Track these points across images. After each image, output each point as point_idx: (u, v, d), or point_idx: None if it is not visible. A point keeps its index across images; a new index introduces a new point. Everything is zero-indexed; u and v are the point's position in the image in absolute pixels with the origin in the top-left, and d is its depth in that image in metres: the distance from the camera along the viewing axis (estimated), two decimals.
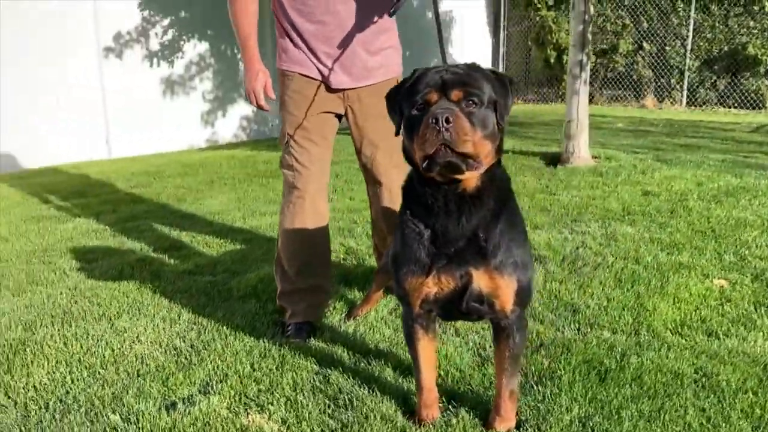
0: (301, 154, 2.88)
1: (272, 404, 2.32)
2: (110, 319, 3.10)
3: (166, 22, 8.54)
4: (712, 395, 2.35)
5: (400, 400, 2.34)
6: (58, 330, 2.98)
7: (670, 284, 3.42)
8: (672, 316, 3.04)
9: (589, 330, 2.91)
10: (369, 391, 2.39)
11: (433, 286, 1.96)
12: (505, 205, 1.99)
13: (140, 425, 2.20)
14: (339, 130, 3.03)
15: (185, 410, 2.28)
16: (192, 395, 2.40)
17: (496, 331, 2.08)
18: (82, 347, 2.81)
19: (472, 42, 14.49)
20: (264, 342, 2.81)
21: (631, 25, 13.56)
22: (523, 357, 2.48)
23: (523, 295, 2.02)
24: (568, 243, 4.19)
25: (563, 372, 2.51)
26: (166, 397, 2.40)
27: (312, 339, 2.86)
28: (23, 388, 2.48)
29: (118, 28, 8.15)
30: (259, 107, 2.87)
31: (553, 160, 7.22)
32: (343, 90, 2.87)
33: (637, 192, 5.59)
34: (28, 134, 7.48)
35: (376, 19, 2.90)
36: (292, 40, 2.87)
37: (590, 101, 13.83)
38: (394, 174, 2.91)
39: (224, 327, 2.98)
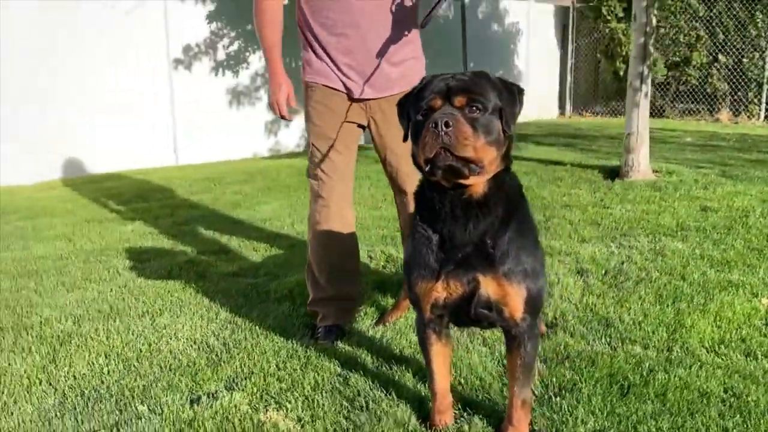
0: (325, 164, 2.95)
1: (290, 402, 2.38)
2: (152, 316, 3.25)
3: (233, 34, 8.84)
4: (738, 415, 2.27)
5: (416, 404, 2.37)
6: (103, 324, 3.14)
7: (714, 302, 3.32)
8: (710, 334, 2.95)
9: (620, 344, 2.86)
10: (386, 395, 2.43)
11: (442, 291, 1.98)
12: (515, 212, 1.99)
13: (164, 416, 2.30)
14: None
15: (208, 404, 2.38)
16: (217, 391, 2.49)
17: (508, 339, 2.08)
18: (122, 341, 2.95)
19: (538, 54, 14.34)
20: (292, 343, 2.89)
21: (706, 36, 13.14)
22: (538, 366, 2.45)
23: (533, 304, 2.02)
24: (614, 257, 4.11)
25: (584, 384, 2.48)
26: (193, 391, 2.50)
27: (339, 342, 2.91)
28: (64, 377, 2.63)
29: (187, 40, 8.49)
30: (282, 117, 2.97)
31: (613, 173, 7.07)
32: (366, 100, 2.92)
33: (695, 207, 5.42)
34: (98, 140, 7.88)
35: (401, 32, 2.94)
36: (315, 53, 2.94)
37: (660, 115, 13.62)
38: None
39: (257, 327, 3.07)
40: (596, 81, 15.07)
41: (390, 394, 2.42)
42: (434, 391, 2.21)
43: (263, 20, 2.91)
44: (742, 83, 12.99)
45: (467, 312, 1.99)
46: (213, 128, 8.77)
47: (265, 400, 2.42)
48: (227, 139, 8.80)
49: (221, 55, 8.77)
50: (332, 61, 2.91)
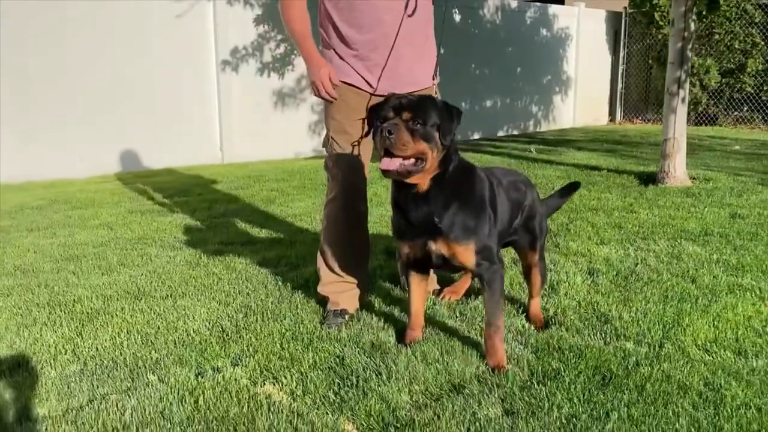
0: (341, 157, 3.13)
1: (286, 378, 2.56)
2: (174, 299, 3.49)
3: (279, 37, 9.14)
4: (712, 408, 2.35)
5: (405, 384, 2.51)
6: (129, 304, 3.39)
7: (718, 303, 3.36)
8: (705, 333, 3.00)
9: (613, 340, 2.94)
10: (377, 375, 2.58)
11: (408, 249, 2.76)
12: (458, 198, 2.63)
13: (170, 385, 2.52)
14: None
15: (211, 377, 2.58)
16: (222, 366, 2.69)
17: (480, 280, 2.77)
18: (143, 319, 3.20)
19: (588, 59, 14.23)
20: (300, 327, 3.08)
21: (763, 43, 12.83)
22: (503, 298, 2.81)
23: (483, 253, 2.68)
24: (629, 259, 4.16)
25: (567, 374, 2.58)
26: (201, 365, 2.71)
27: (344, 327, 3.09)
28: (87, 348, 2.88)
29: (234, 43, 8.81)
30: (326, 96, 3.07)
31: (649, 179, 7.06)
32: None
33: (725, 214, 5.40)
34: (150, 137, 8.27)
35: (421, 34, 3.11)
36: (336, 50, 3.12)
37: (714, 123, 13.36)
38: None
39: (269, 312, 3.27)
40: (648, 88, 14.84)
41: (380, 375, 2.58)
42: (410, 310, 2.92)
43: (292, 15, 3.07)
44: None
45: (430, 262, 2.76)
46: (258, 128, 9.07)
47: (264, 376, 2.61)
48: (271, 139, 9.09)
49: (267, 57, 9.06)
50: (359, 58, 3.07)
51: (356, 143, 3.10)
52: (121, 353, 2.82)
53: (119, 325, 3.11)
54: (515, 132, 13.13)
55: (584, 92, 14.41)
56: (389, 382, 2.53)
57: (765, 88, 13.01)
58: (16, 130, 7.34)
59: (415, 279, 2.87)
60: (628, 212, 5.53)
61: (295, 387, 2.51)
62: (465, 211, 2.64)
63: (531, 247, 3.19)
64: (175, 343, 2.92)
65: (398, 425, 2.25)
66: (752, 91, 13.19)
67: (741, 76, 13.18)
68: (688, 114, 13.51)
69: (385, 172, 2.47)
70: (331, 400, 2.41)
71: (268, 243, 4.60)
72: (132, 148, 8.15)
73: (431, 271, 3.06)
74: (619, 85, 15.00)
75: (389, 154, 2.45)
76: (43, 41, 7.46)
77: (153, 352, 2.83)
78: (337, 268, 3.25)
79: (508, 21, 12.59)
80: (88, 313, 3.26)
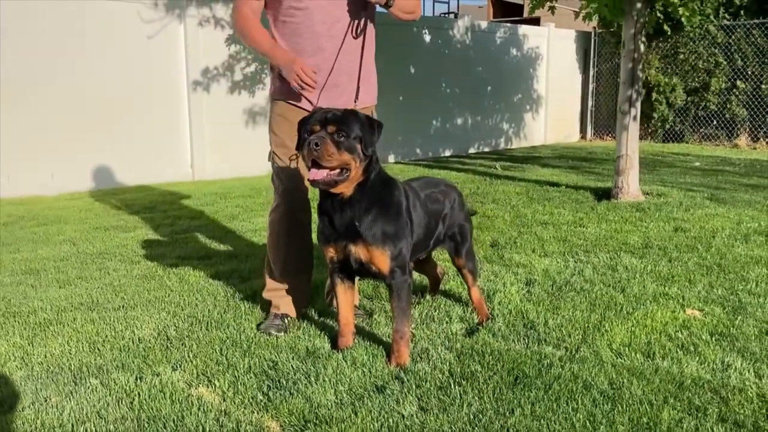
0: (283, 170, 3.34)
1: (219, 381, 2.74)
2: (126, 310, 3.65)
3: (250, 57, 9.36)
4: (610, 404, 2.55)
5: (331, 386, 2.69)
6: (81, 315, 3.56)
7: (640, 311, 3.58)
8: (621, 337, 3.22)
9: (534, 344, 3.15)
10: (306, 378, 2.76)
11: (332, 252, 2.94)
12: (378, 205, 2.85)
13: (110, 388, 2.69)
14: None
15: (150, 380, 2.75)
16: (162, 371, 2.86)
17: (389, 289, 2.97)
18: (93, 328, 3.36)
19: (559, 78, 14.58)
20: (241, 334, 3.26)
21: (725, 62, 13.22)
22: (411, 309, 3.04)
23: (397, 260, 2.89)
24: (567, 270, 4.38)
25: (482, 375, 2.78)
26: (142, 370, 2.87)
27: (284, 333, 3.27)
28: (37, 356, 3.04)
29: (205, 63, 9.02)
30: (309, 82, 3.08)
31: (604, 195, 7.31)
32: None
33: (669, 228, 5.64)
34: (121, 155, 8.43)
35: (359, 54, 3.32)
36: (280, 75, 3.32)
37: (680, 140, 13.71)
38: None
39: (213, 321, 3.45)
40: (617, 106, 15.19)
41: (309, 378, 2.77)
42: (339, 319, 3.09)
43: (250, 26, 3.24)
44: (761, 109, 13.02)
45: (351, 267, 2.92)
46: (228, 146, 9.26)
47: (200, 379, 2.78)
48: (242, 157, 9.27)
49: (238, 76, 9.27)
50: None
51: (294, 156, 3.30)
52: (68, 360, 2.99)
53: (69, 334, 3.27)
54: (486, 149, 13.40)
55: (555, 110, 14.75)
56: (316, 384, 2.71)
57: (728, 106, 13.39)
58: None
59: (341, 288, 3.04)
60: (576, 226, 5.76)
61: (227, 389, 2.68)
62: (384, 218, 2.86)
63: (456, 253, 3.43)
64: (121, 350, 3.08)
65: (317, 422, 2.43)
66: (716, 109, 13.57)
67: (705, 95, 13.56)
68: (656, 131, 14.03)
69: (313, 182, 2.67)
70: (259, 400, 2.59)
71: (224, 257, 4.78)
72: (103, 165, 8.30)
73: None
74: (590, 103, 15.35)
75: (317, 165, 2.65)
76: (13, 59, 7.62)
77: (98, 358, 3.00)
78: (279, 274, 3.47)
79: (478, 41, 12.90)
80: (40, 323, 3.42)
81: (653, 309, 3.60)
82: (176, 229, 5.74)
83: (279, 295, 3.48)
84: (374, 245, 2.84)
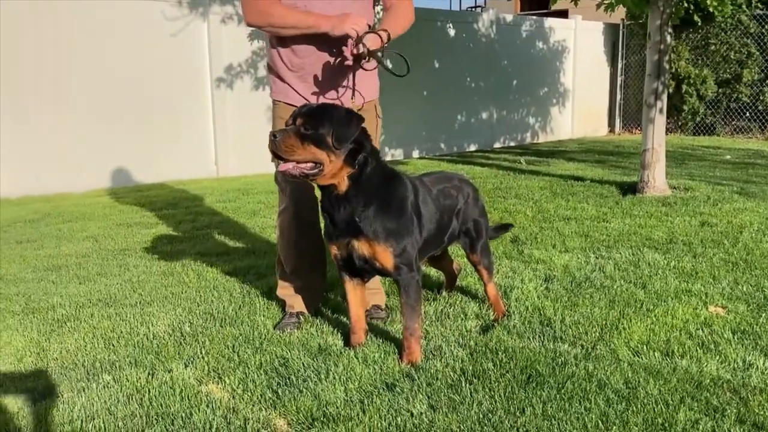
0: None
1: (230, 377, 2.74)
2: (143, 306, 3.68)
3: None
4: (624, 404, 2.49)
5: (341, 383, 2.68)
6: (99, 311, 3.59)
7: (660, 308, 3.50)
8: (639, 335, 3.15)
9: (550, 342, 3.09)
10: (317, 376, 2.75)
11: (335, 250, 2.92)
12: (378, 200, 2.80)
13: (121, 384, 2.70)
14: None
15: (161, 377, 2.76)
16: (174, 367, 2.87)
17: (397, 286, 2.95)
18: (110, 324, 3.39)
19: (586, 71, 14.38)
20: (254, 331, 3.26)
21: (758, 53, 12.91)
22: (420, 306, 2.96)
23: (402, 256, 2.85)
24: (587, 266, 4.30)
25: (494, 373, 2.74)
26: (154, 367, 2.89)
27: (297, 329, 3.26)
28: (53, 351, 3.07)
29: (229, 59, 9.07)
30: (361, 41, 2.96)
31: (630, 189, 7.19)
32: None
33: (695, 223, 5.52)
34: (146, 152, 8.52)
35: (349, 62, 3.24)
36: (279, 74, 3.30)
37: (711, 132, 13.41)
38: None
39: (228, 318, 3.46)
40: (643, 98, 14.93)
41: (319, 375, 2.75)
42: (350, 316, 3.08)
43: (280, 13, 3.07)
44: None
45: (354, 264, 2.90)
46: (252, 143, 9.28)
47: (211, 376, 2.79)
48: (265, 153, 9.20)
49: (261, 72, 9.30)
50: (298, 78, 3.25)
51: None
52: (82, 356, 3.01)
53: (85, 330, 3.31)
54: (512, 144, 13.28)
55: (582, 104, 14.55)
56: (326, 381, 2.70)
57: (761, 97, 13.08)
58: (14, 145, 7.61)
59: (350, 285, 3.02)
60: (599, 221, 5.67)
61: (237, 386, 2.68)
62: (386, 213, 2.82)
63: (471, 249, 3.39)
64: (135, 347, 3.11)
65: (325, 420, 2.42)
66: (748, 101, 13.26)
67: (737, 86, 13.27)
68: (686, 124, 13.76)
69: (282, 174, 2.67)
70: (267, 397, 2.58)
71: (242, 253, 4.79)
72: (129, 163, 8.40)
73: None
74: (618, 96, 15.12)
75: (280, 156, 2.64)
76: (41, 57, 7.74)
77: (112, 354, 3.02)
78: (291, 273, 3.46)
79: (503, 34, 12.78)
80: (58, 320, 3.46)
81: (674, 306, 3.52)
82: (197, 225, 5.77)
83: (292, 294, 3.47)
84: (376, 241, 2.81)
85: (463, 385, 2.66)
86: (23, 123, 7.67)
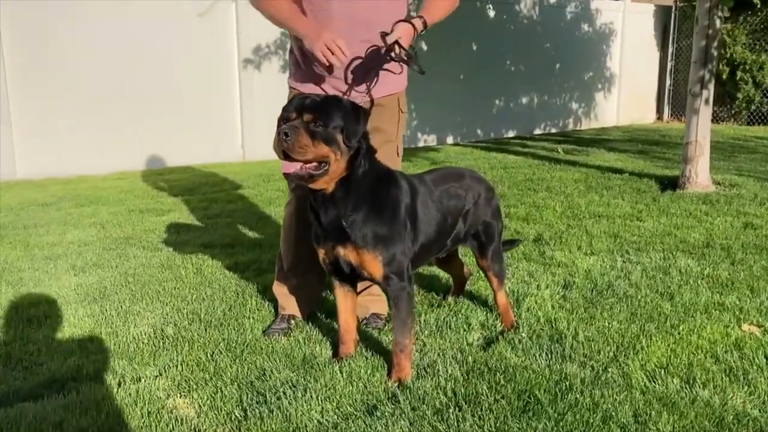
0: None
1: (200, 391, 2.53)
2: (130, 303, 3.50)
3: None
4: None
5: (319, 403, 2.44)
6: (83, 308, 3.43)
7: (687, 324, 3.16)
8: (659, 357, 2.83)
9: (557, 361, 2.80)
10: (293, 392, 2.52)
11: (323, 254, 2.68)
12: (369, 203, 2.55)
13: (82, 393, 2.51)
14: None
15: (128, 387, 2.57)
16: (144, 375, 2.67)
17: (387, 296, 2.80)
18: (90, 323, 3.22)
19: (634, 55, 13.74)
20: (239, 336, 3.05)
21: None
22: (413, 320, 2.70)
23: (392, 265, 2.59)
24: (612, 272, 3.97)
25: (488, 398, 2.46)
26: (124, 375, 2.69)
27: (285, 335, 3.05)
28: (21, 353, 2.90)
29: (257, 41, 8.85)
30: (341, 57, 2.70)
31: (670, 184, 6.75)
32: None
33: (737, 224, 5.10)
34: (172, 135, 8.40)
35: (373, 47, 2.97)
36: (299, 60, 3.06)
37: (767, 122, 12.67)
38: None
39: (215, 320, 3.26)
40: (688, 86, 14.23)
41: (296, 392, 2.52)
42: (339, 325, 2.84)
43: (278, 5, 2.90)
44: None
45: (342, 270, 2.65)
46: None
47: (181, 388, 2.58)
48: None
49: None
50: (313, 69, 3.00)
51: None
52: (52, 359, 2.84)
53: (63, 330, 3.14)
54: (553, 130, 12.80)
55: (629, 89, 13.93)
56: (302, 399, 2.46)
57: None
58: (39, 126, 7.57)
59: (340, 291, 2.80)
60: (633, 220, 5.29)
61: (204, 402, 2.46)
62: (376, 218, 2.57)
63: (480, 253, 3.11)
64: (109, 350, 2.92)
65: None
66: None
67: None
68: (740, 113, 13.05)
69: (286, 176, 2.41)
70: (234, 416, 2.37)
71: (248, 246, 4.58)
72: (154, 145, 8.29)
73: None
74: (668, 82, 14.46)
75: (290, 156, 2.35)
76: (68, 39, 7.66)
77: (84, 358, 2.84)
78: (288, 270, 3.26)
79: (546, 16, 12.27)
80: (37, 317, 3.30)
81: (702, 322, 3.18)
82: (209, 213, 5.60)
83: (285, 293, 3.27)
84: (364, 248, 2.56)
85: (451, 411, 2.39)
86: (48, 104, 7.62)
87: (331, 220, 2.56)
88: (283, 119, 2.44)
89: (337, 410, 2.41)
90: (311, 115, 2.37)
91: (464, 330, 3.13)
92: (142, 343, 2.99)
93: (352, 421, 2.33)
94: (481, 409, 2.39)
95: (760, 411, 2.40)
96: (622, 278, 3.86)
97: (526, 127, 12.33)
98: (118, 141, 8.03)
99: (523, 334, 3.06)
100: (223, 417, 2.37)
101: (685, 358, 2.82)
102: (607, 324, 3.18)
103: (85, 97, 7.82)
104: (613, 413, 2.37)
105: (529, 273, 3.96)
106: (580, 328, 3.12)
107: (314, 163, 2.39)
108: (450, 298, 3.53)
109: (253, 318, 3.28)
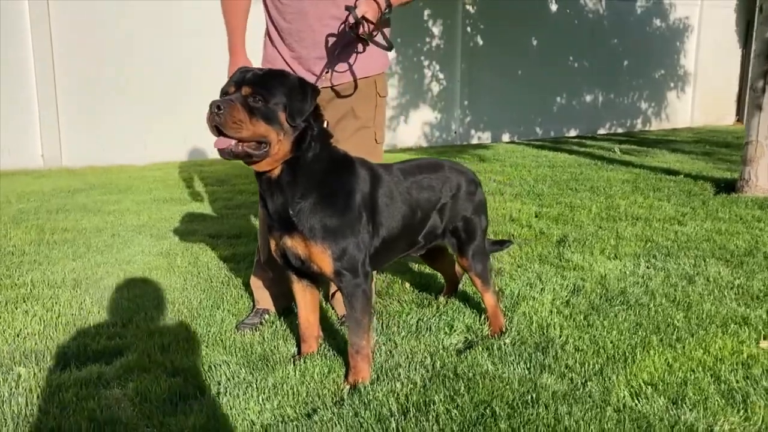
0: None
1: (142, 382, 2.41)
2: (115, 291, 3.44)
3: None
4: None
5: (258, 404, 2.28)
6: (65, 293, 3.40)
7: (695, 338, 2.83)
8: (650, 372, 2.53)
9: (535, 372, 2.54)
10: (237, 390, 2.37)
11: (273, 245, 2.51)
12: (318, 190, 2.37)
13: (28, 380, 2.44)
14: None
15: (72, 374, 2.49)
16: (93, 363, 2.59)
17: (341, 293, 2.53)
18: (63, 309, 3.17)
19: (712, 52, 12.97)
20: (207, 328, 2.94)
21: None
22: (369, 319, 2.49)
23: (343, 260, 2.39)
24: (630, 277, 3.65)
25: (440, 408, 2.24)
26: (74, 360, 2.61)
27: (255, 330, 2.92)
28: None
29: None
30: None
31: (727, 187, 6.25)
32: None
33: None
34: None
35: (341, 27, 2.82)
36: (271, 39, 2.95)
37: None
38: None
39: (190, 311, 3.16)
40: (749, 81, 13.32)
41: (239, 390, 2.37)
42: (299, 321, 2.68)
43: (227, 5, 2.99)
44: None
45: (292, 263, 2.48)
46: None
47: (125, 378, 2.47)
48: None
49: None
50: (286, 45, 2.90)
51: None
52: (11, 343, 2.80)
53: (34, 314, 3.10)
54: (620, 130, 12.23)
55: (706, 89, 13.16)
56: (242, 398, 2.31)
57: None
58: (84, 116, 7.74)
59: (298, 286, 2.63)
60: (672, 223, 4.89)
61: (140, 391, 2.35)
62: (326, 207, 2.38)
63: (459, 251, 2.88)
64: (70, 337, 2.86)
65: None
66: None
67: None
68: None
69: (220, 152, 2.21)
70: (165, 410, 2.24)
71: (253, 237, 4.46)
72: (197, 137, 8.33)
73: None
74: (748, 81, 13.55)
75: (222, 132, 2.18)
76: (112, 32, 7.81)
77: (45, 344, 2.78)
78: (265, 262, 3.12)
79: (613, 10, 11.72)
80: (14, 300, 3.28)
81: (714, 336, 2.84)
82: (229, 204, 5.54)
83: (260, 287, 3.15)
84: (312, 240, 2.37)
85: (396, 419, 2.18)
86: (93, 95, 7.78)
87: (277, 207, 2.38)
88: (223, 93, 2.29)
89: (274, 412, 2.24)
90: (251, 89, 2.22)
91: (445, 333, 2.91)
92: (106, 331, 2.91)
93: (286, 424, 2.16)
94: (427, 420, 2.17)
95: None
96: (639, 285, 3.53)
97: (590, 126, 11.82)
98: (160, 132, 8.13)
99: (507, 340, 2.80)
100: (152, 409, 2.24)
101: (681, 374, 2.51)
102: (603, 333, 2.88)
103: (129, 88, 7.96)
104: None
105: (539, 275, 3.68)
106: (572, 337, 2.84)
107: (253, 143, 2.22)
108: (441, 298, 3.31)
109: (228, 311, 3.16)
